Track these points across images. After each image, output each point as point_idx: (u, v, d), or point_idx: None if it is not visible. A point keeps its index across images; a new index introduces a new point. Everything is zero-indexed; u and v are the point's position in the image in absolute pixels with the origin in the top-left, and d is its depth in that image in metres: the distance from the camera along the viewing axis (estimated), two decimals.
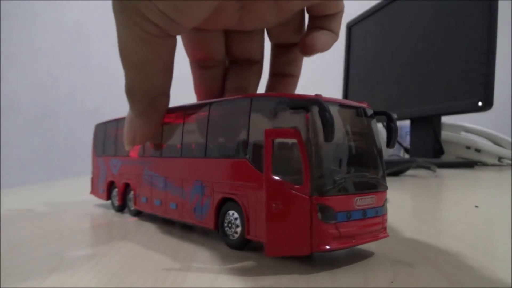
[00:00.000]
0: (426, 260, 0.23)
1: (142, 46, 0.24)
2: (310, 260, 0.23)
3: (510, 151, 1.19)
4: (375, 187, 0.24)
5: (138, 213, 0.37)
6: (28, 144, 1.80)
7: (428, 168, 0.86)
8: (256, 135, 0.24)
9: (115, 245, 0.27)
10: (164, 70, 0.26)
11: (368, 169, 0.24)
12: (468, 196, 0.56)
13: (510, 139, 1.20)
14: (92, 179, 0.46)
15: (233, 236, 0.25)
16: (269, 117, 0.24)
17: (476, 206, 0.43)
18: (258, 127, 0.24)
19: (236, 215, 0.25)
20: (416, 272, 0.21)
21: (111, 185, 0.42)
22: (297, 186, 0.21)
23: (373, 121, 0.25)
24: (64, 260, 0.23)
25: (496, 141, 1.20)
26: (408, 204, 0.50)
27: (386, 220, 0.25)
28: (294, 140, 0.22)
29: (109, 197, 0.42)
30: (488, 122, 1.27)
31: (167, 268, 0.22)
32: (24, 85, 1.83)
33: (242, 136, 0.25)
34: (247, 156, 0.24)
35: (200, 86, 0.33)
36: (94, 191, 0.46)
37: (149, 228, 0.32)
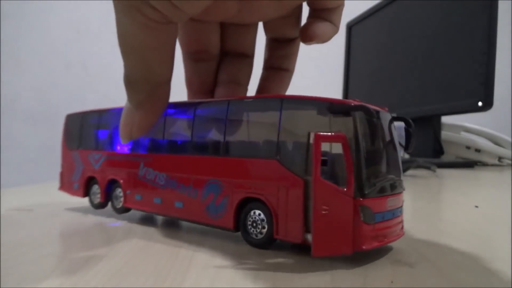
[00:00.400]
0: (426, 260, 0.23)
1: (143, 32, 0.23)
2: (310, 260, 0.23)
3: (510, 151, 1.18)
4: (399, 188, 0.25)
5: (125, 211, 0.36)
6: (28, 144, 1.80)
7: (428, 168, 0.86)
8: (287, 136, 0.24)
9: (115, 245, 0.27)
10: (165, 58, 0.25)
11: (394, 172, 0.25)
12: (468, 196, 0.56)
13: (510, 139, 1.20)
14: (62, 174, 0.43)
15: (257, 236, 0.25)
16: (305, 120, 0.24)
17: (476, 206, 0.43)
18: (290, 128, 0.25)
19: (262, 215, 0.25)
20: (416, 272, 0.21)
21: (89, 181, 0.39)
22: (343, 189, 0.22)
23: (393, 126, 0.26)
24: (64, 260, 0.23)
25: (496, 141, 1.20)
26: (408, 204, 0.50)
27: (403, 219, 0.26)
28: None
29: (86, 193, 0.40)
30: (488, 122, 1.27)
31: (167, 268, 0.22)
32: (24, 85, 1.83)
33: (272, 136, 0.25)
34: (278, 157, 0.24)
35: (192, 79, 0.32)
36: (64, 187, 0.43)
37: (150, 228, 0.32)
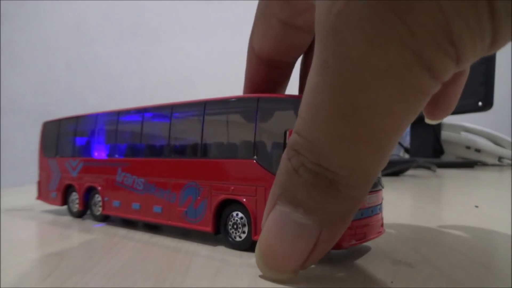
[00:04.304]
0: (426, 260, 0.23)
1: (411, 101, 0.15)
2: None
3: (510, 151, 1.19)
4: (378, 185, 0.25)
5: (105, 219, 0.36)
6: (28, 144, 1.80)
7: (428, 168, 0.87)
8: (264, 135, 0.24)
9: (115, 245, 0.27)
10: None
11: None
12: (468, 196, 0.56)
13: (510, 139, 1.20)
14: (40, 183, 0.43)
15: (240, 237, 0.25)
16: (281, 118, 0.24)
17: (476, 206, 0.43)
18: (267, 128, 0.24)
19: (241, 215, 0.25)
20: (416, 272, 0.21)
21: (68, 189, 0.39)
22: None
23: None
24: (64, 260, 0.23)
25: (496, 141, 1.20)
26: (408, 204, 0.50)
27: (383, 217, 0.26)
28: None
29: (64, 202, 0.39)
30: (488, 122, 1.27)
31: (167, 268, 0.22)
32: (24, 85, 1.83)
33: (248, 136, 0.25)
34: (255, 157, 0.24)
35: (259, 84, 0.27)
36: (42, 196, 0.43)
37: (150, 228, 0.32)
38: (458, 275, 0.20)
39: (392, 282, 0.19)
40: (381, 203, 0.25)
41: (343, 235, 0.21)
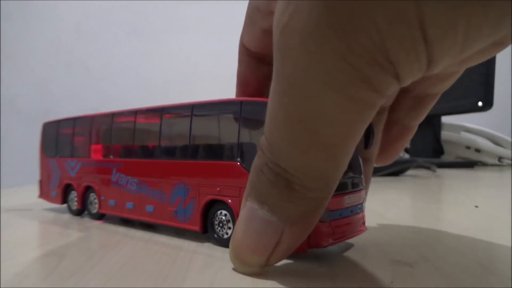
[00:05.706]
0: (426, 260, 0.23)
1: (355, 112, 0.15)
2: (309, 260, 0.23)
3: (510, 151, 1.19)
4: (358, 186, 0.25)
5: (101, 217, 0.37)
6: (28, 144, 1.80)
7: (428, 168, 0.87)
8: (247, 138, 0.25)
9: (115, 244, 0.27)
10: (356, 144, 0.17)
11: (353, 170, 0.25)
12: (468, 196, 0.56)
13: (510, 139, 1.20)
14: (41, 182, 0.45)
15: (227, 234, 0.26)
16: (264, 121, 0.24)
17: (476, 206, 0.43)
18: (250, 131, 0.25)
19: (228, 215, 0.26)
20: (416, 272, 0.21)
21: (67, 188, 0.40)
22: None
23: None
24: (64, 260, 0.23)
25: (496, 141, 1.20)
26: (408, 204, 0.50)
27: (364, 215, 0.26)
28: None
29: (64, 200, 0.41)
30: (488, 122, 1.28)
31: (167, 268, 0.22)
32: (24, 85, 1.83)
33: (232, 139, 0.25)
34: (238, 159, 0.25)
35: (249, 79, 0.27)
36: (44, 195, 0.44)
37: (149, 228, 0.32)
38: (458, 275, 0.20)
39: (392, 282, 0.19)
40: (362, 203, 0.25)
41: (321, 234, 0.22)
